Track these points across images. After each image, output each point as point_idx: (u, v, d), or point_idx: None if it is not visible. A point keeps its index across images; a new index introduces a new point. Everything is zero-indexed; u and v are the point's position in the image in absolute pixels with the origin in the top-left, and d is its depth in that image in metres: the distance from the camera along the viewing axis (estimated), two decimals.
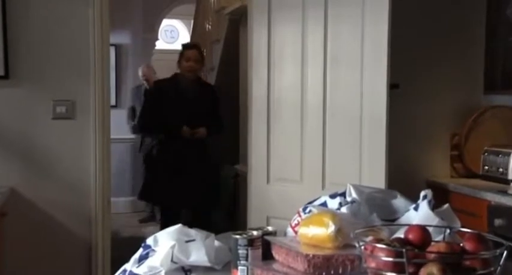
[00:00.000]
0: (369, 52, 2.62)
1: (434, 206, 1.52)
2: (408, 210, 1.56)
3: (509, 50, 3.04)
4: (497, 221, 2.55)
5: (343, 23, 2.55)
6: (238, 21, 4.38)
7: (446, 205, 1.58)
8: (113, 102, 6.12)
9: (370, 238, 1.25)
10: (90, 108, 2.98)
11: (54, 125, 2.96)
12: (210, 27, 5.18)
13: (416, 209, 1.53)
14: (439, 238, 1.34)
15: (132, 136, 5.89)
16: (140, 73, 5.71)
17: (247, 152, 3.18)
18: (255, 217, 2.99)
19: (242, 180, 4.04)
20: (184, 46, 4.08)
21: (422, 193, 1.52)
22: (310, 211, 1.59)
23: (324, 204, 1.62)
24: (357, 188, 1.63)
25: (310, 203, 1.65)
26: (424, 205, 1.50)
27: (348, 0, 2.67)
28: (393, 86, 2.70)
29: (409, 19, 2.98)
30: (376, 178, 2.61)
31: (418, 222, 1.43)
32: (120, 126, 5.69)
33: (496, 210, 2.58)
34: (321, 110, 2.77)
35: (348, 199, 1.59)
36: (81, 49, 2.95)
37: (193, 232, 1.52)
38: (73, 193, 2.99)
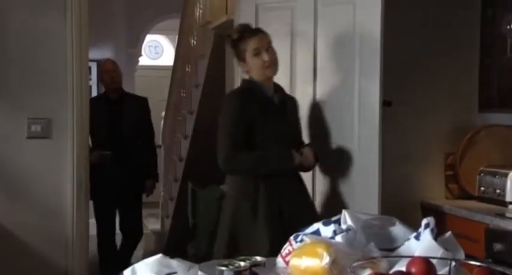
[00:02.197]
0: (360, 69, 2.57)
1: (437, 234, 1.41)
2: (409, 239, 1.45)
3: (504, 68, 2.98)
4: (496, 246, 2.44)
5: (333, 39, 2.48)
6: (224, 36, 4.30)
7: (449, 233, 1.47)
8: None
9: (368, 272, 1.17)
10: (68, 126, 2.85)
11: (28, 144, 2.83)
12: (194, 42, 5.12)
13: (417, 238, 1.42)
14: (444, 270, 1.25)
15: None
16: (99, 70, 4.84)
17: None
18: None
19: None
20: None
21: (424, 221, 1.41)
22: (302, 240, 1.49)
23: (317, 232, 1.52)
24: (352, 214, 1.53)
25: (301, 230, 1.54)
26: (426, 234, 1.39)
27: (339, 16, 2.62)
28: (386, 104, 2.64)
29: (403, 36, 2.94)
30: (370, 199, 2.53)
31: (421, 253, 1.35)
32: None
33: (494, 234, 2.48)
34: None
35: (343, 226, 1.49)
36: (58, 65, 2.83)
37: (174, 263, 1.43)
38: (48, 216, 2.84)
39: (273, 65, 2.44)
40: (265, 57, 2.42)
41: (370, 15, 2.53)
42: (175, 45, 5.97)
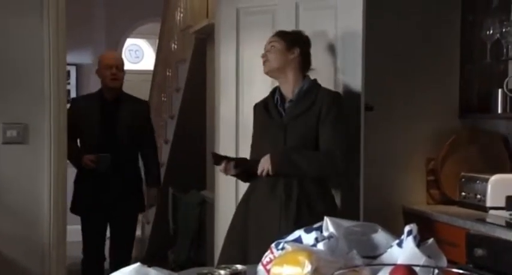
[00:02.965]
0: (343, 73, 2.54)
1: (419, 242, 1.39)
2: (391, 246, 1.43)
3: (485, 73, 2.98)
4: (477, 252, 2.43)
5: (316, 43, 2.46)
6: (205, 40, 4.30)
7: (431, 240, 1.46)
8: None
9: None
10: (45, 131, 2.77)
11: (4, 150, 2.75)
12: (175, 46, 5.08)
13: (400, 245, 1.40)
14: None
15: None
16: (106, 62, 3.48)
17: (215, 176, 3.06)
18: None
19: (209, 207, 3.92)
20: None
21: (406, 228, 1.39)
22: (283, 248, 1.46)
23: (299, 239, 1.49)
24: (334, 221, 1.50)
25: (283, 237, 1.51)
26: (409, 242, 1.37)
27: (321, 20, 2.61)
28: (367, 108, 2.63)
29: (383, 41, 2.94)
30: (352, 204, 2.51)
31: (404, 261, 1.32)
32: None
33: (475, 239, 2.48)
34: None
35: (325, 233, 1.46)
36: (35, 69, 2.76)
37: (153, 272, 1.37)
38: (24, 224, 2.76)
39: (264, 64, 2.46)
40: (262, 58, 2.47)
41: (352, 20, 2.52)
42: (156, 49, 5.92)
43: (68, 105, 3.06)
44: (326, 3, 2.61)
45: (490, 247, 2.38)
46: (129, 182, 3.46)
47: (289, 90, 2.44)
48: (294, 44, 2.43)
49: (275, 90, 2.51)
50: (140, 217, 5.98)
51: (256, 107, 2.55)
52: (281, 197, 2.36)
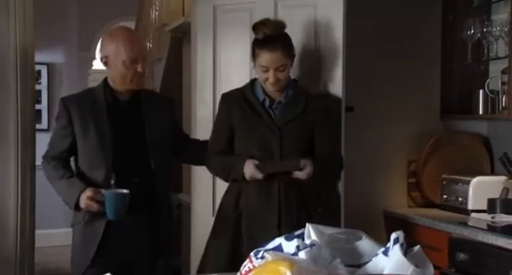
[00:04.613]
0: (323, 73, 2.49)
1: (406, 250, 1.33)
2: (376, 255, 1.36)
3: (466, 74, 2.96)
4: (460, 256, 2.40)
5: (295, 42, 2.40)
6: (181, 39, 4.23)
7: (418, 247, 1.40)
8: (44, 125, 5.81)
9: None
10: (11, 133, 2.64)
11: None
12: (150, 45, 4.99)
13: (386, 253, 1.34)
14: None
15: None
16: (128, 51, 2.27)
17: (191, 179, 2.98)
18: (199, 252, 2.74)
19: (185, 210, 3.83)
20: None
21: (393, 236, 1.32)
22: (263, 257, 1.38)
23: (279, 247, 1.42)
24: (316, 228, 1.44)
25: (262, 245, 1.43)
26: (396, 250, 1.30)
27: (300, 18, 2.56)
28: (348, 109, 2.59)
29: (365, 41, 2.90)
30: (332, 208, 2.45)
31: (391, 270, 1.28)
32: None
33: (458, 243, 2.44)
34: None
35: (307, 241, 1.40)
36: (0, 68, 2.62)
37: None
38: None
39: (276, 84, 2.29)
40: (271, 78, 2.25)
41: (332, 18, 2.49)
42: None
43: (58, 110, 2.34)
44: (305, 1, 2.56)
45: (473, 251, 2.35)
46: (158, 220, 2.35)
47: (277, 92, 2.34)
48: (293, 53, 2.33)
49: (253, 86, 2.38)
50: None
51: (231, 99, 2.37)
52: (279, 202, 2.28)
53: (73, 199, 2.20)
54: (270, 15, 2.53)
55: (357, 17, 2.69)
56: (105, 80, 2.37)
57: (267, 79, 2.28)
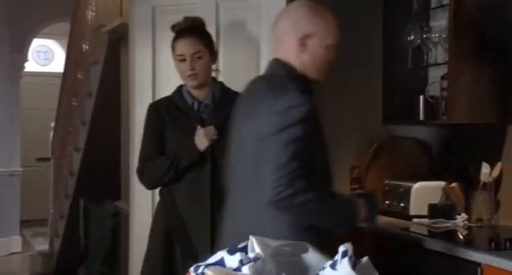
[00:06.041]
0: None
1: (355, 262, 1.28)
2: (324, 268, 1.31)
3: (407, 80, 2.98)
4: (402, 261, 2.39)
5: (238, 44, 2.35)
6: (119, 41, 4.12)
7: (366, 258, 1.37)
8: None
9: None
10: None
11: None
12: (87, 47, 4.83)
13: (334, 267, 1.29)
14: None
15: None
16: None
17: (130, 186, 2.92)
18: (138, 262, 2.66)
19: (124, 218, 3.74)
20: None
21: (341, 249, 1.28)
22: (203, 273, 1.31)
23: (221, 262, 1.36)
24: (261, 241, 1.38)
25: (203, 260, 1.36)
26: (344, 263, 1.26)
27: (243, 20, 2.50)
28: None
29: None
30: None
31: None
32: None
33: (400, 249, 2.43)
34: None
35: (251, 255, 1.35)
36: None
37: None
38: None
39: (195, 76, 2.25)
40: (187, 66, 2.22)
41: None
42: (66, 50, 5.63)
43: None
44: (248, 3, 2.52)
45: (415, 257, 2.34)
46: None
47: (202, 93, 2.30)
48: (213, 45, 2.30)
49: (181, 91, 2.33)
50: (48, 229, 5.67)
51: (160, 108, 2.32)
52: (211, 206, 2.25)
53: None
54: (212, 17, 2.48)
55: None
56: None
57: (185, 71, 2.25)
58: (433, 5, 2.84)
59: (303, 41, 1.83)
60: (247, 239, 1.58)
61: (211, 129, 2.23)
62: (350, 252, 1.27)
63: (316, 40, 1.85)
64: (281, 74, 1.83)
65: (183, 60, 2.24)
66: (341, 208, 1.81)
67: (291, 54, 1.84)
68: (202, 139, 2.22)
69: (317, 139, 1.76)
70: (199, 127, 2.23)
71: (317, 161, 1.75)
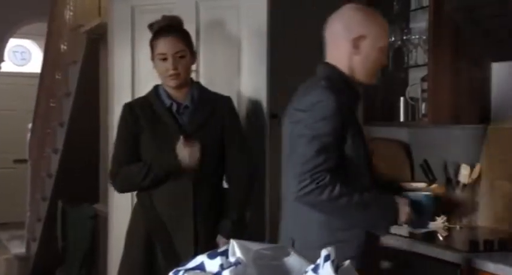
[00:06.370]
0: (248, 77, 2.45)
1: (337, 266, 1.27)
2: (306, 272, 1.29)
3: (387, 81, 2.98)
4: (384, 264, 2.38)
5: (218, 44, 2.33)
6: (97, 41, 4.09)
7: (348, 262, 1.35)
8: None
9: None
10: None
11: None
12: (65, 47, 4.79)
13: (316, 271, 1.27)
14: None
15: None
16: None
17: (108, 189, 2.88)
18: (116, 264, 2.63)
19: (102, 221, 3.71)
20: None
21: (323, 252, 1.26)
22: None
23: (201, 266, 1.33)
24: (241, 244, 1.34)
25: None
26: (327, 268, 1.24)
27: (223, 20, 2.48)
28: (271, 116, 2.55)
29: (285, 45, 2.84)
30: (258, 220, 2.43)
31: None
32: None
33: (381, 252, 2.42)
34: None
35: (231, 259, 1.31)
36: None
37: None
38: None
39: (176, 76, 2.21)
40: (170, 66, 2.18)
41: (256, 21, 2.47)
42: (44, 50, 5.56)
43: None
44: (228, 3, 2.51)
45: (396, 259, 2.35)
46: None
47: (180, 94, 2.26)
48: (192, 44, 2.27)
49: (157, 92, 2.27)
50: (25, 232, 5.58)
51: (134, 108, 2.26)
52: (194, 205, 2.22)
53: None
54: (191, 17, 2.46)
55: (280, 22, 2.64)
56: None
57: (166, 71, 2.20)
58: (413, 6, 2.85)
59: (356, 43, 1.81)
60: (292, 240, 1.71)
61: (196, 148, 2.16)
62: (333, 256, 1.26)
63: (369, 42, 1.82)
64: (321, 76, 1.83)
65: (165, 59, 2.19)
66: (378, 204, 1.77)
67: (343, 57, 1.82)
68: (187, 157, 2.15)
69: (347, 133, 1.73)
70: (182, 139, 2.16)
71: (347, 156, 1.73)
